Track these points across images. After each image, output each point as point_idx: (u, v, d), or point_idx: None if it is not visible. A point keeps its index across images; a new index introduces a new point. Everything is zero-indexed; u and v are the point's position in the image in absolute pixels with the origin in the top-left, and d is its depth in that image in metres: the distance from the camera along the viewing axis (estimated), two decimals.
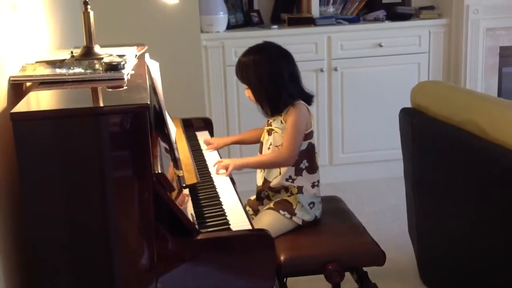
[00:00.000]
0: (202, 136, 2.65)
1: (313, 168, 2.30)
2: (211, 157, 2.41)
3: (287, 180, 2.27)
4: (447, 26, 4.11)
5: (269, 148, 2.30)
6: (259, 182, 2.34)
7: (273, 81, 2.25)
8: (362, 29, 4.05)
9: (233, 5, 4.15)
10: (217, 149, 2.52)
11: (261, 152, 2.36)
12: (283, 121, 2.26)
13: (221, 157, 2.43)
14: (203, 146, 2.51)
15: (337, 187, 3.84)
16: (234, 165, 2.24)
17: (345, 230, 2.29)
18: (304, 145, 2.27)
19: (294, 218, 2.24)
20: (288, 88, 2.26)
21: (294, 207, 2.25)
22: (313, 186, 2.30)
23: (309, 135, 2.28)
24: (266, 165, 2.29)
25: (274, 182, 2.28)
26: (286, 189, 2.29)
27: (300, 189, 2.27)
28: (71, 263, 1.58)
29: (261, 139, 2.37)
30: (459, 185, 2.28)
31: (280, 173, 2.27)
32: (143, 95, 1.61)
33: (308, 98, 2.33)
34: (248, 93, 2.33)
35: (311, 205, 2.28)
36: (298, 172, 2.27)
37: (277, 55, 2.30)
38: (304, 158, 2.27)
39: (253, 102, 2.33)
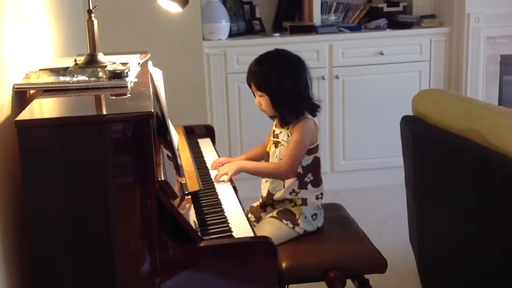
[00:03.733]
0: (204, 143, 2.65)
1: (317, 182, 2.28)
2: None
3: (290, 193, 2.26)
4: (448, 35, 4.13)
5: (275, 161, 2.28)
6: (264, 193, 2.33)
7: (295, 88, 2.21)
8: (363, 37, 4.07)
9: (235, 13, 4.17)
10: None
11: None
12: (289, 134, 2.24)
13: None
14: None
15: (338, 194, 3.84)
16: (233, 171, 2.22)
17: (346, 238, 2.29)
18: (310, 159, 2.25)
19: (296, 228, 2.23)
20: (306, 95, 2.24)
21: (297, 217, 2.24)
22: (317, 198, 2.29)
23: (314, 149, 2.27)
24: (263, 174, 2.29)
25: (277, 195, 2.27)
26: (290, 200, 2.27)
27: (304, 201, 2.26)
28: (73, 269, 1.59)
29: (267, 149, 2.35)
30: (460, 193, 2.28)
31: (284, 186, 2.25)
32: (147, 103, 1.62)
33: (314, 109, 2.29)
34: (259, 100, 2.26)
35: (314, 217, 2.27)
36: (303, 186, 2.25)
37: (293, 62, 2.26)
38: (309, 172, 2.25)
39: (263, 110, 2.28)
